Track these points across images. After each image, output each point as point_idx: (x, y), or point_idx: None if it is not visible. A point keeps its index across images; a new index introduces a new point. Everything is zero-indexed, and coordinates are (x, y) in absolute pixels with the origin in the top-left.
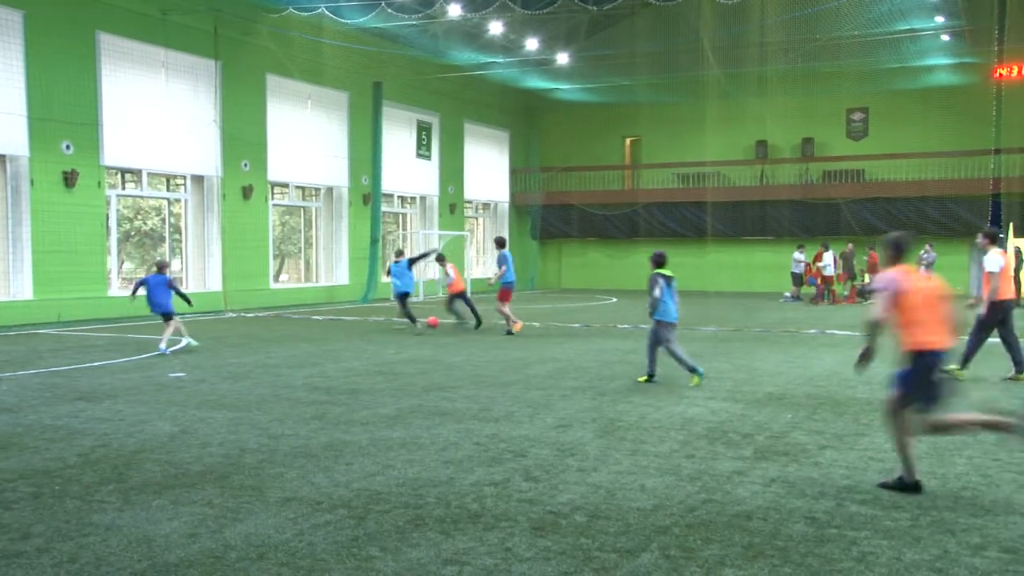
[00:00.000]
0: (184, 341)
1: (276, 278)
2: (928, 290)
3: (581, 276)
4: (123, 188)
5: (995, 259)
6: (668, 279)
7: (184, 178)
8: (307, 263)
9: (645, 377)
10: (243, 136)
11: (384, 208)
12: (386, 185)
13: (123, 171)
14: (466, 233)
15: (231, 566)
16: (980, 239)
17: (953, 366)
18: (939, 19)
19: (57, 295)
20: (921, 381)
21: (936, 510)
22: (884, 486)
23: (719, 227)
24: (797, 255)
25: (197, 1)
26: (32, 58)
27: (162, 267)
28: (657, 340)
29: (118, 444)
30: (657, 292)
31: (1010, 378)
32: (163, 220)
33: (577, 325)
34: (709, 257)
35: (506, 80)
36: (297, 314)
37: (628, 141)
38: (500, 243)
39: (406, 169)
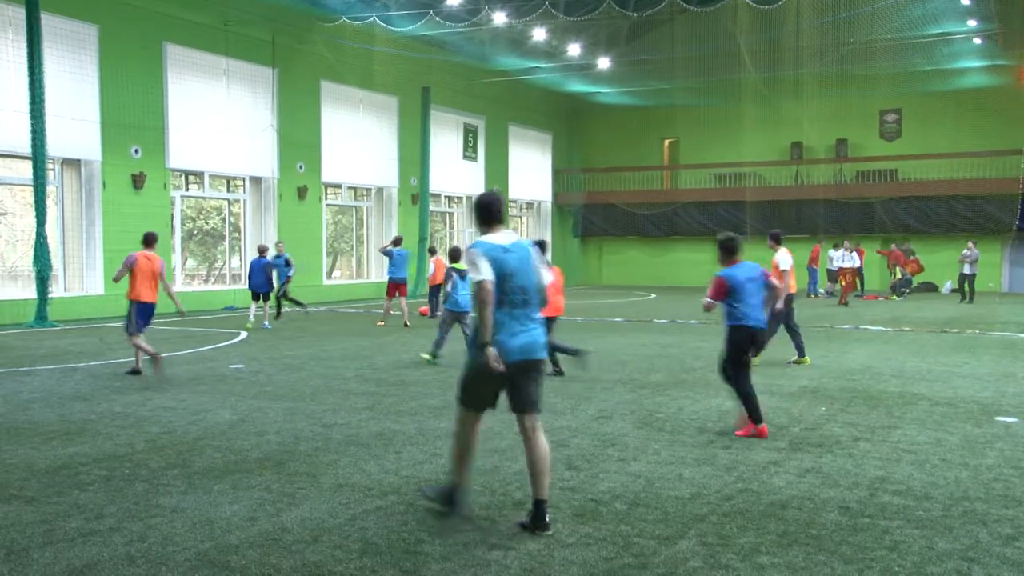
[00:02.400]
0: (264, 323)
1: (329, 274)
2: (151, 264)
3: (621, 273)
4: (186, 189)
5: (786, 258)
6: (462, 273)
7: (243, 179)
8: (358, 260)
9: (429, 356)
10: (298, 139)
11: (432, 207)
12: (434, 185)
13: (186, 173)
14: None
15: (287, 548)
16: (769, 241)
17: (795, 358)
18: (972, 23)
19: (126, 290)
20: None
21: (968, 501)
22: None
23: (754, 225)
24: (832, 253)
25: (256, 12)
26: (105, 68)
27: (262, 251)
28: (446, 323)
29: (182, 431)
30: (449, 286)
31: (794, 362)
32: (223, 219)
33: (618, 320)
34: (747, 254)
35: (549, 84)
36: (349, 309)
37: (667, 142)
38: (396, 241)
39: (453, 170)
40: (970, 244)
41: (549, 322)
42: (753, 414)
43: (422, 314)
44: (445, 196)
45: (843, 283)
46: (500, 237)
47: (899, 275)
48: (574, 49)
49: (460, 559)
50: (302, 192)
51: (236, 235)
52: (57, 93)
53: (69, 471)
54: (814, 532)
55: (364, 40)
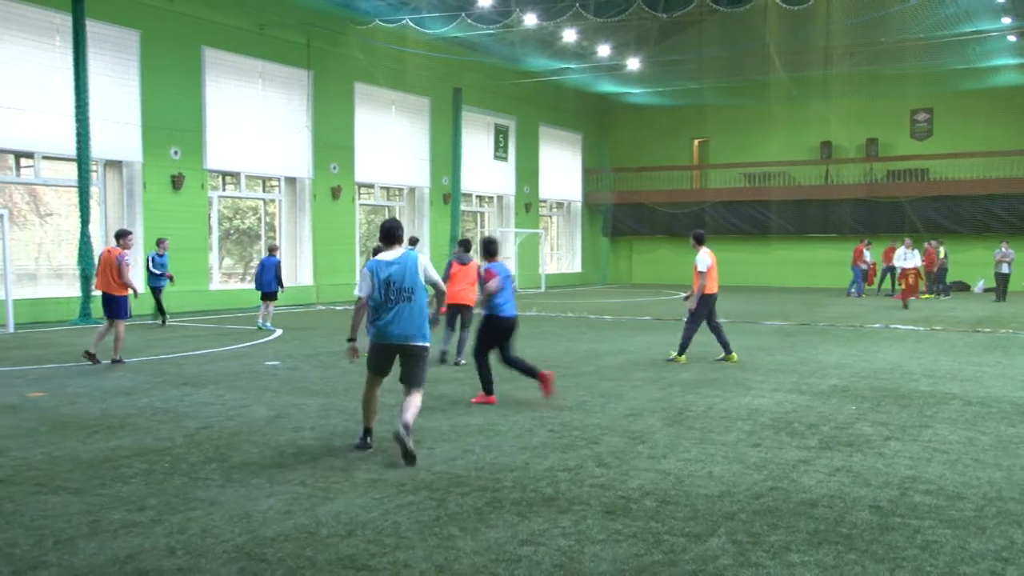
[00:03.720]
0: (267, 325)
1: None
2: (108, 256)
3: (651, 271)
4: (223, 190)
5: (704, 259)
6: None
7: (278, 180)
8: None
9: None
10: (332, 140)
11: (463, 207)
12: (465, 185)
13: (223, 174)
14: (540, 231)
15: (322, 541)
16: (691, 242)
17: (673, 353)
18: (1006, 20)
19: (165, 288)
20: None
21: (1002, 500)
22: None
23: (783, 225)
24: (866, 252)
25: (291, 16)
26: (146, 72)
27: (273, 250)
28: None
29: (219, 426)
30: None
31: (721, 359)
32: (259, 219)
33: (647, 318)
34: (773, 254)
35: (579, 85)
36: None
37: (696, 142)
38: (412, 241)
39: (484, 170)
40: (1004, 244)
41: (458, 310)
42: (486, 387)
43: None
44: (476, 196)
45: (904, 285)
46: (391, 254)
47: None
48: (604, 50)
49: (491, 554)
50: (336, 192)
51: (272, 234)
52: (100, 96)
53: (112, 464)
54: (844, 531)
55: (396, 42)
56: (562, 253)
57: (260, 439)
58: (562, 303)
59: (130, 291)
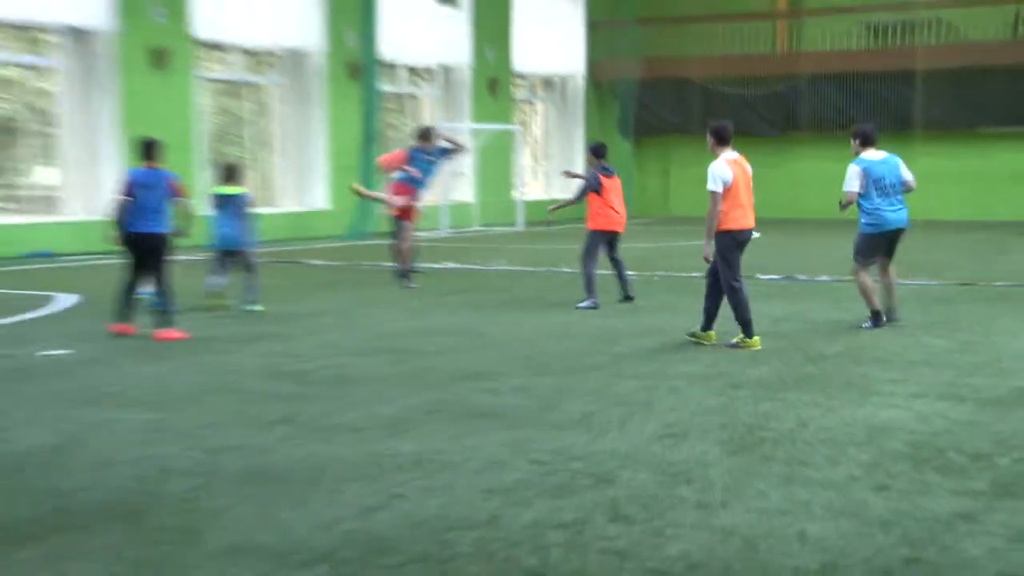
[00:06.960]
0: None
1: None
2: None
3: (702, 197)
4: None
5: (720, 171)
6: (226, 199)
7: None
8: (261, 175)
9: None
10: None
11: (386, 86)
12: (387, 49)
13: None
14: (515, 128)
15: None
16: (708, 140)
17: (740, 336)
18: None
19: None
20: None
21: None
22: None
23: (936, 114)
24: None
25: None
26: None
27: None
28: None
29: None
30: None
31: (692, 337)
32: None
33: (696, 275)
34: (919, 161)
35: None
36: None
37: None
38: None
39: (419, 23)
40: None
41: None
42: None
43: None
44: (407, 67)
45: None
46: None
47: None
48: None
49: None
50: (161, 57)
51: None
52: None
53: None
54: None
55: None
56: (552, 165)
57: None
58: (550, 250)
59: None
